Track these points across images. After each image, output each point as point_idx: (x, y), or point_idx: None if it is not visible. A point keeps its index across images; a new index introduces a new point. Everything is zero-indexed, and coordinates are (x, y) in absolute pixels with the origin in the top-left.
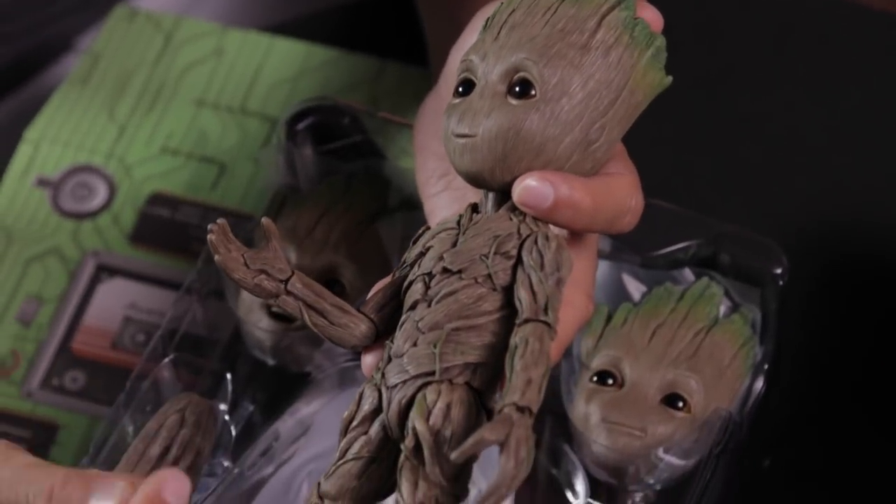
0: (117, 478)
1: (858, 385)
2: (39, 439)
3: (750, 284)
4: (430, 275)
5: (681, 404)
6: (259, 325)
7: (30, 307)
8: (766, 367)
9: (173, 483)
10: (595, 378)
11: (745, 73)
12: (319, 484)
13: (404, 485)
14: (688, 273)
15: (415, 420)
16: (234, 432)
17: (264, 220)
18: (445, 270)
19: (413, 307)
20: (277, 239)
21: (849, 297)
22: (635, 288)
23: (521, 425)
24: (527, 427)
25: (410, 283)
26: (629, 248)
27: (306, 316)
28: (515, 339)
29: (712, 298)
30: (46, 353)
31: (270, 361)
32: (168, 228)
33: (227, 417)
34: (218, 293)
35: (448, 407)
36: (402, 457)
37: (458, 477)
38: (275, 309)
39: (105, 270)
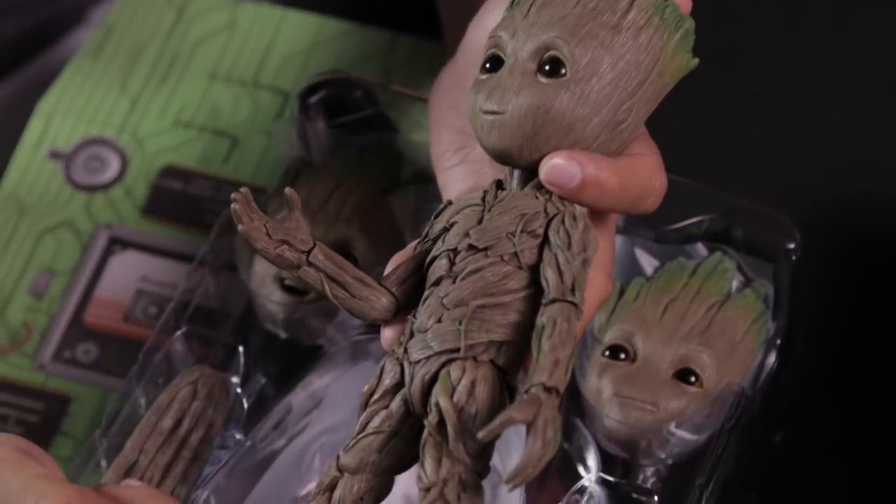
0: (128, 491)
1: (871, 360)
2: (52, 411)
3: (763, 259)
4: (456, 251)
5: (693, 379)
6: (272, 298)
7: (42, 279)
8: (778, 342)
9: None
10: (607, 352)
11: (759, 47)
12: (339, 457)
13: (427, 461)
14: (700, 248)
15: (439, 397)
16: (246, 405)
17: (287, 190)
18: (471, 247)
19: (437, 283)
20: (300, 209)
21: (861, 272)
22: (648, 262)
23: (549, 406)
24: (554, 408)
25: (434, 259)
26: (642, 222)
27: (327, 288)
28: (542, 319)
29: (725, 273)
30: (59, 326)
31: (283, 334)
32: (181, 201)
33: (239, 390)
34: (230, 266)
35: (472, 384)
36: (425, 433)
37: (482, 454)
38: (288, 282)
39: (117, 243)
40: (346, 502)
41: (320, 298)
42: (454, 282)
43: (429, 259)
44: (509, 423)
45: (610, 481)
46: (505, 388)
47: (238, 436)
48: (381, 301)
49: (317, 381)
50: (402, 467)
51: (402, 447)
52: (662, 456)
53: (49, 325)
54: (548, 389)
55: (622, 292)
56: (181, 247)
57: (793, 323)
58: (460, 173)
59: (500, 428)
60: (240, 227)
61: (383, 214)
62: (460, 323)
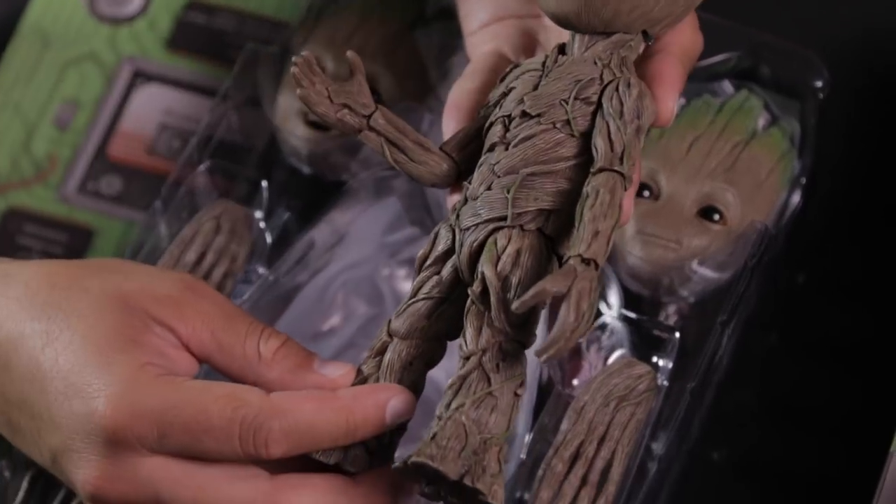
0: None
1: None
2: (76, 243)
3: (790, 97)
4: (510, 117)
5: (717, 217)
6: (295, 133)
7: (66, 111)
8: (803, 180)
9: (396, 402)
10: None
11: None
12: (390, 321)
13: (468, 330)
14: (727, 85)
15: (483, 265)
16: (269, 240)
17: (350, 54)
18: (525, 114)
19: (491, 149)
20: (362, 73)
21: (889, 111)
22: None
23: (585, 278)
24: (591, 279)
25: (491, 125)
26: None
27: (387, 152)
28: (587, 188)
29: (751, 111)
30: (83, 158)
31: (306, 170)
32: (205, 35)
33: (262, 225)
34: (254, 101)
35: (518, 253)
36: (468, 301)
37: (524, 325)
38: (312, 117)
39: (141, 76)
40: (394, 366)
41: (344, 134)
42: (507, 148)
43: (487, 124)
44: (543, 294)
45: (631, 318)
46: (552, 257)
47: (261, 270)
48: (441, 166)
49: (340, 217)
50: (452, 334)
51: (451, 314)
52: (684, 294)
53: (73, 158)
54: (585, 261)
55: (647, 130)
56: (205, 81)
57: (818, 162)
58: (481, 2)
59: (533, 300)
60: (299, 91)
61: (408, 51)
62: (508, 191)
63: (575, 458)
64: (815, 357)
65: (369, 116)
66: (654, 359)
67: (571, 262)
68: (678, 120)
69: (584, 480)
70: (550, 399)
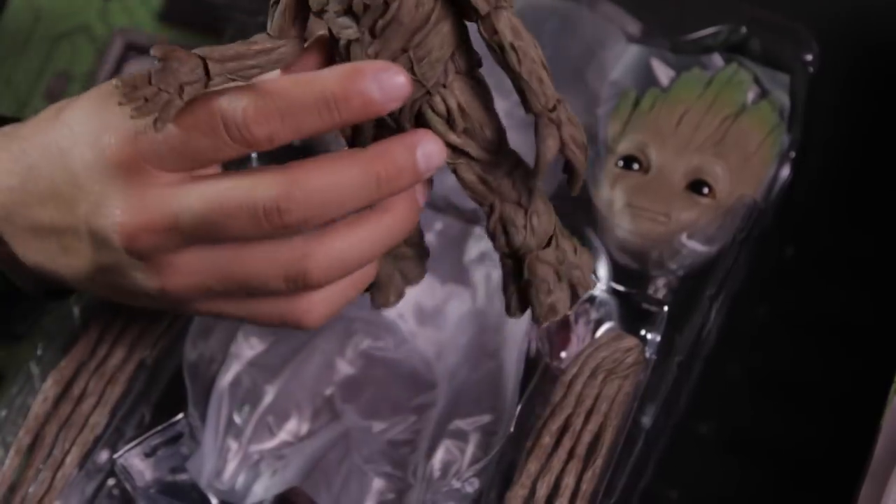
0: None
1: (886, 173)
2: None
3: (780, 71)
4: (350, 11)
5: (706, 190)
6: None
7: (58, 84)
8: (792, 154)
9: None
10: (621, 163)
11: None
12: None
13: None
14: (717, 58)
15: (445, 136)
16: None
17: (154, 49)
18: (366, 6)
19: (351, 44)
20: (171, 57)
21: (878, 85)
22: (664, 73)
23: (563, 121)
24: (566, 116)
25: (322, 11)
26: (659, 31)
27: (243, 80)
28: (493, 40)
29: (741, 84)
30: None
31: (296, 141)
32: (196, 7)
33: None
34: None
35: (460, 107)
36: (451, 169)
37: (499, 142)
38: None
39: (133, 49)
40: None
41: None
42: (375, 36)
43: (316, 9)
44: (549, 161)
45: (620, 291)
46: (475, 79)
47: None
48: (293, 50)
49: None
50: None
51: None
52: (673, 267)
53: None
54: (552, 109)
55: (637, 102)
56: None
57: (808, 135)
58: None
59: (545, 169)
60: (133, 114)
61: None
62: (413, 72)
63: (563, 431)
64: (804, 330)
65: (206, 74)
66: (643, 332)
67: (544, 119)
68: (668, 93)
69: (571, 453)
70: (538, 372)
